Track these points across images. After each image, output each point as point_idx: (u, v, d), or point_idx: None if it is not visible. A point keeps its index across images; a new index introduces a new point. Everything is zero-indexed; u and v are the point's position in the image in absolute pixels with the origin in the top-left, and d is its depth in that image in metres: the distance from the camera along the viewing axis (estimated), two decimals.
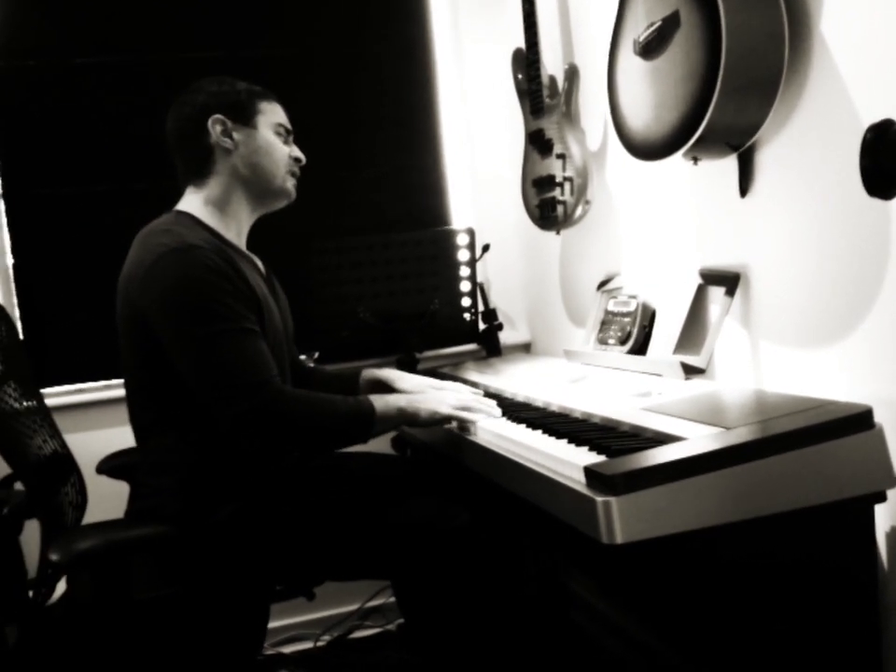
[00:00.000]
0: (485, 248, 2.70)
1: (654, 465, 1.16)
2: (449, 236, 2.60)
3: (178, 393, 1.61)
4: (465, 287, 2.61)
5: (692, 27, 1.57)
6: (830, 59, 1.49)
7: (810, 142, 1.56)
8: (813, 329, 1.60)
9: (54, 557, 1.46)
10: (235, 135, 1.76)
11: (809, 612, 1.28)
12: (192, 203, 1.77)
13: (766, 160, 1.67)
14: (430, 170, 2.88)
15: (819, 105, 1.53)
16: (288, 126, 1.85)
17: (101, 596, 1.52)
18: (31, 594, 1.69)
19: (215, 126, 1.74)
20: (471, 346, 2.76)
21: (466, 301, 2.62)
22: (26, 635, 1.69)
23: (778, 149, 1.63)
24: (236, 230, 1.81)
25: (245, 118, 1.77)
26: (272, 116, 1.81)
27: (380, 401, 1.65)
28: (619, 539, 1.12)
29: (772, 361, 1.72)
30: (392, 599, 2.54)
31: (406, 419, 1.67)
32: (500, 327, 2.71)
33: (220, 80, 1.80)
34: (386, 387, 1.93)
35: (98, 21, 2.56)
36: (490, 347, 2.71)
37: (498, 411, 1.71)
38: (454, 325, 2.64)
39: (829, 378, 1.56)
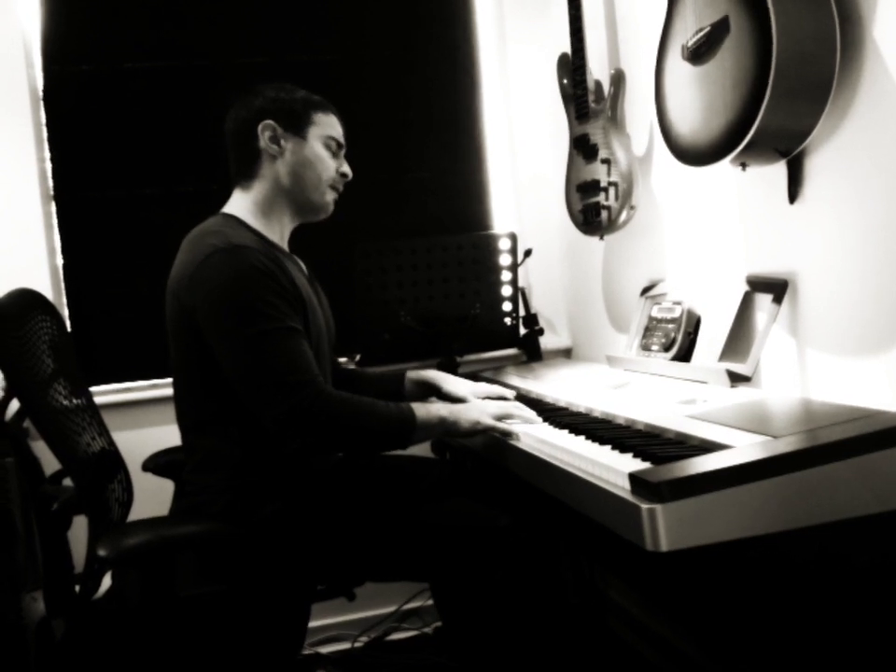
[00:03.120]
0: (527, 253, 2.70)
1: (700, 473, 1.15)
2: (491, 240, 2.60)
3: (226, 392, 1.63)
4: (506, 291, 2.61)
5: (742, 32, 1.56)
6: (882, 65, 1.47)
7: (861, 149, 1.54)
8: (862, 337, 1.58)
9: (102, 553, 1.48)
10: (283, 143, 1.77)
11: (858, 624, 1.26)
12: (238, 205, 1.80)
13: (816, 166, 1.65)
14: (473, 174, 2.88)
15: (870, 111, 1.51)
16: (341, 140, 1.85)
17: (146, 592, 1.54)
18: (77, 588, 1.72)
19: (264, 132, 1.76)
20: (512, 351, 2.76)
21: (507, 306, 2.63)
22: (73, 628, 1.72)
23: (829, 156, 1.61)
24: (279, 234, 1.83)
25: (296, 127, 1.78)
26: (325, 128, 1.82)
27: (422, 409, 1.65)
28: (664, 547, 1.11)
29: (820, 370, 1.69)
30: (429, 602, 2.55)
31: (446, 428, 1.67)
32: (541, 332, 2.70)
33: (280, 87, 1.81)
34: (432, 389, 1.94)
35: (148, 28, 2.61)
36: (531, 352, 2.70)
37: (538, 420, 1.71)
38: (494, 329, 2.64)
39: (878, 388, 1.54)
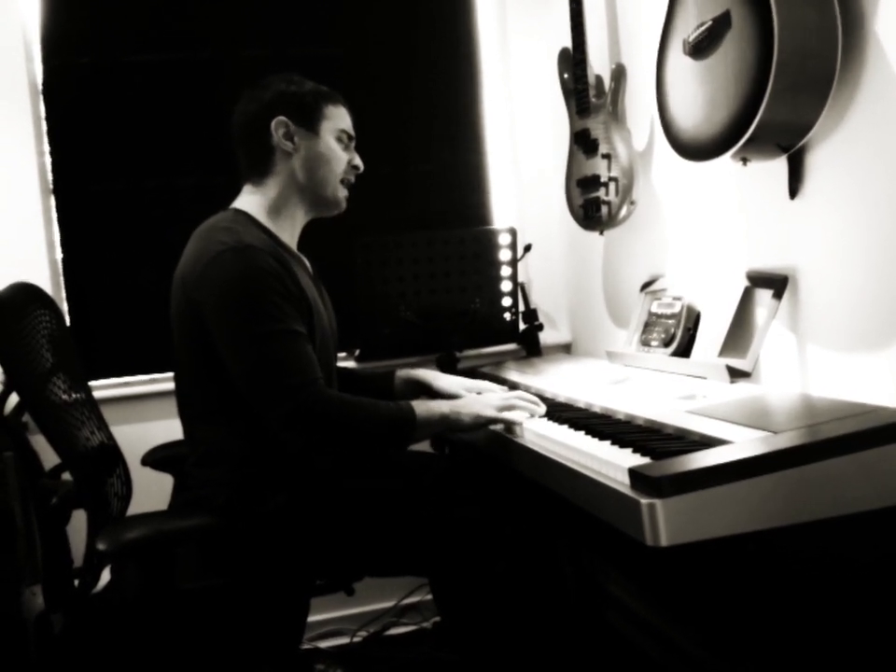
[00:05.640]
0: (527, 248, 2.70)
1: (700, 468, 1.15)
2: (491, 235, 2.60)
3: (229, 386, 1.62)
4: (506, 286, 2.61)
5: (743, 26, 1.55)
6: (884, 59, 1.47)
7: (863, 144, 1.54)
8: (862, 333, 1.58)
9: (102, 547, 1.48)
10: (297, 139, 1.76)
11: (859, 619, 1.26)
12: (250, 202, 1.78)
13: (817, 161, 1.64)
14: (474, 168, 2.87)
15: (872, 106, 1.51)
16: (351, 132, 1.84)
17: (146, 586, 1.54)
18: (76, 583, 1.72)
19: (278, 128, 1.75)
20: (511, 346, 2.75)
21: (507, 301, 2.63)
22: (72, 622, 1.73)
23: (830, 151, 1.61)
24: (290, 231, 1.82)
25: (309, 122, 1.77)
26: (336, 121, 1.80)
27: (422, 407, 1.65)
28: (663, 542, 1.11)
29: (819, 366, 1.69)
30: (428, 597, 2.55)
31: (449, 425, 1.66)
32: (541, 327, 2.70)
33: (289, 79, 1.79)
34: (423, 387, 1.93)
35: (148, 20, 2.59)
36: (530, 347, 2.70)
37: (543, 407, 1.70)
38: (494, 324, 2.64)
39: (878, 383, 1.54)
